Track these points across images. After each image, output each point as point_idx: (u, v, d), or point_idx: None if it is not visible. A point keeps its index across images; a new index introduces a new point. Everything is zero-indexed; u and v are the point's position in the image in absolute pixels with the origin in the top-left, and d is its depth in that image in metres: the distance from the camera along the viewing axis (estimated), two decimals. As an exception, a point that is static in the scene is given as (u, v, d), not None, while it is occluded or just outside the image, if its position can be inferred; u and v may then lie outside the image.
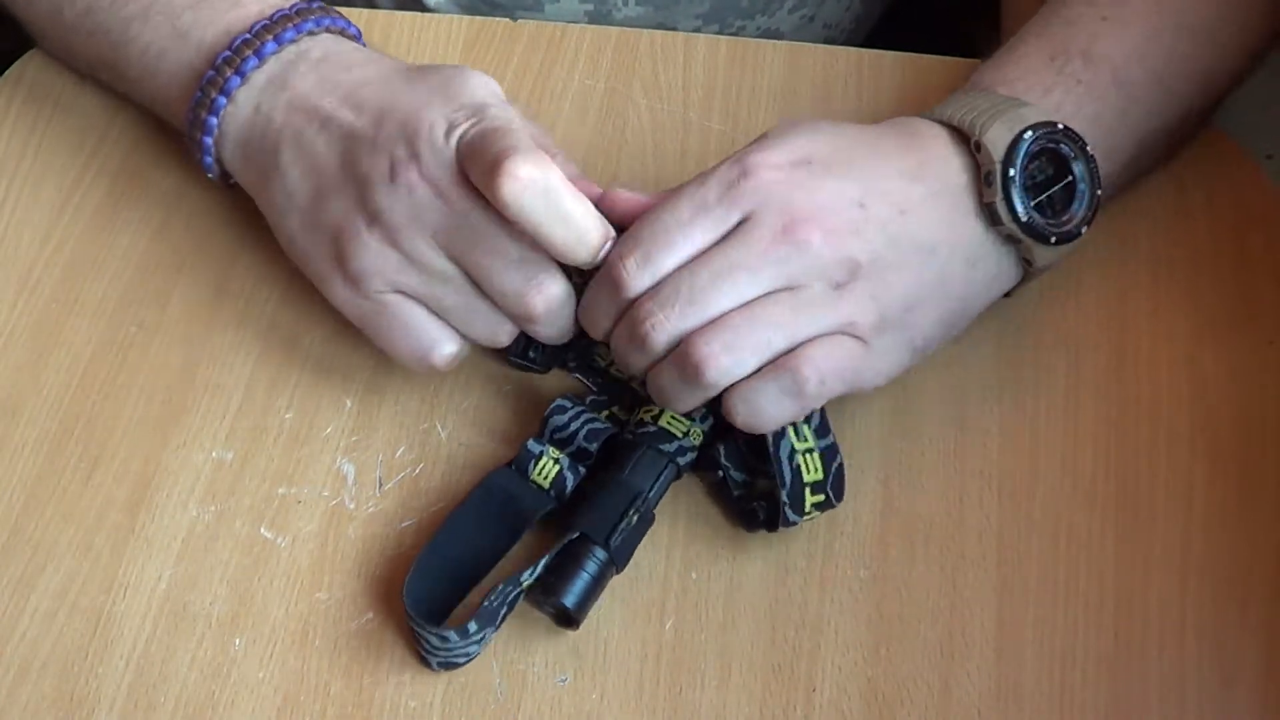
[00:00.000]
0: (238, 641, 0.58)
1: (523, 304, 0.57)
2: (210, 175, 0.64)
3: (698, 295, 0.55)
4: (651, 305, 0.55)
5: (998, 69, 0.63)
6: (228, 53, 0.61)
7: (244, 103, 0.61)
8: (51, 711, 0.56)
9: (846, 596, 0.58)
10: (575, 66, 0.73)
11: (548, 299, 0.57)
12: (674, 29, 0.81)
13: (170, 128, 0.68)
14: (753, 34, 0.83)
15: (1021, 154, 0.58)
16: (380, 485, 0.61)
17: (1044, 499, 0.60)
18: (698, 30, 0.82)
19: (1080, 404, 0.63)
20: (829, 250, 0.55)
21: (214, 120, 0.62)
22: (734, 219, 0.56)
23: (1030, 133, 0.58)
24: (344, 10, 0.74)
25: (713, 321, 0.55)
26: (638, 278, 0.56)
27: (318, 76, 0.61)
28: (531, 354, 0.62)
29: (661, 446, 0.58)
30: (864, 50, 0.74)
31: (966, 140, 0.59)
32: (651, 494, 0.58)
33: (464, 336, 0.59)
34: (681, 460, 0.59)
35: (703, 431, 0.59)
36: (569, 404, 0.60)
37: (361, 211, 0.57)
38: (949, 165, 0.59)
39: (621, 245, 0.56)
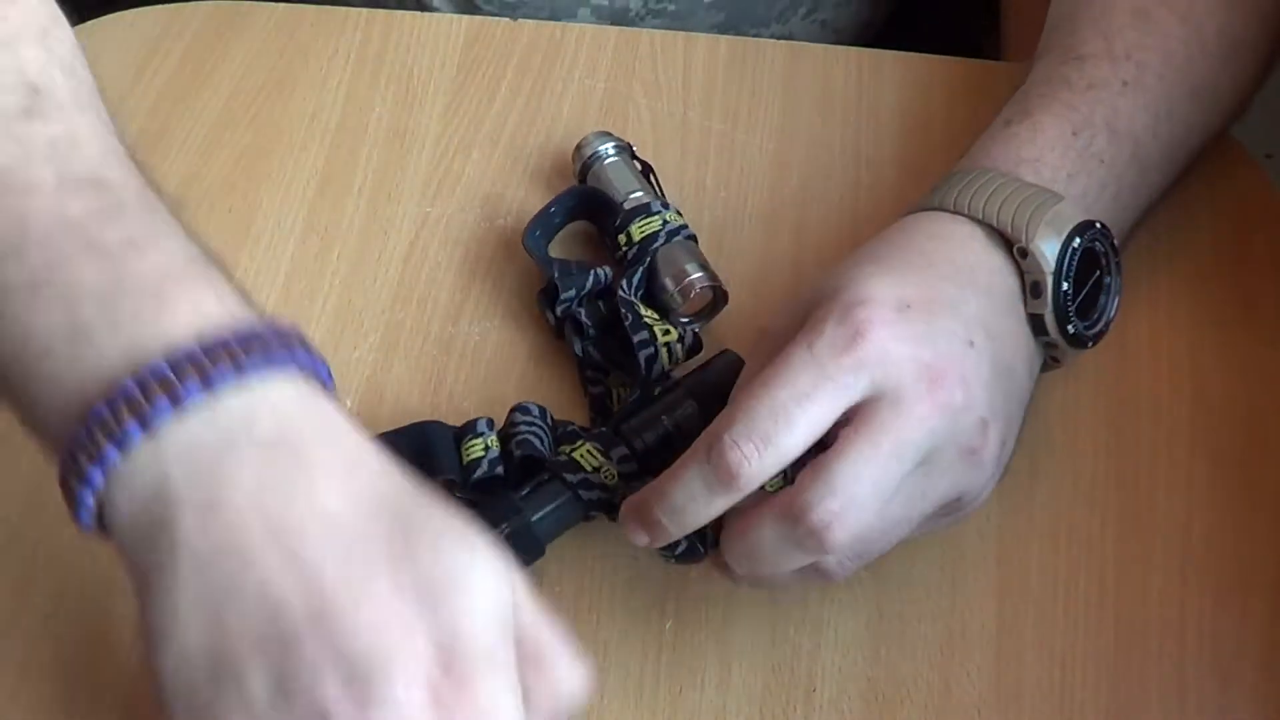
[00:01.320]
0: (238, 641, 0.58)
1: None
2: (85, 530, 0.44)
3: (862, 494, 0.49)
4: (813, 506, 0.49)
5: (1010, 143, 0.59)
6: (133, 386, 0.42)
7: (147, 466, 0.42)
8: (51, 711, 0.56)
9: (846, 596, 0.58)
10: (575, 66, 0.73)
11: None
12: None
13: (170, 122, 0.68)
14: None
15: (1070, 265, 0.55)
16: (380, 485, 0.61)
17: (1044, 499, 0.60)
18: None
19: (1080, 404, 0.63)
20: (967, 414, 0.51)
21: (99, 475, 0.43)
22: (860, 389, 0.50)
23: (1078, 239, 0.55)
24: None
25: (859, 526, 0.50)
26: (760, 465, 0.49)
27: (257, 480, 0.42)
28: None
29: (566, 476, 0.56)
30: (864, 50, 0.74)
31: (1004, 240, 0.56)
32: (537, 519, 0.55)
33: None
34: (585, 494, 0.56)
35: (618, 474, 0.57)
36: (534, 410, 0.59)
37: None
38: (993, 268, 0.56)
39: (733, 428, 0.49)
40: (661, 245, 0.63)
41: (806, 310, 0.53)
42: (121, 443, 0.42)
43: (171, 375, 0.42)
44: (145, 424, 0.42)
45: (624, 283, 0.62)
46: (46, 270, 0.44)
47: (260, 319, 0.44)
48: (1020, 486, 0.61)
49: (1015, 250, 0.56)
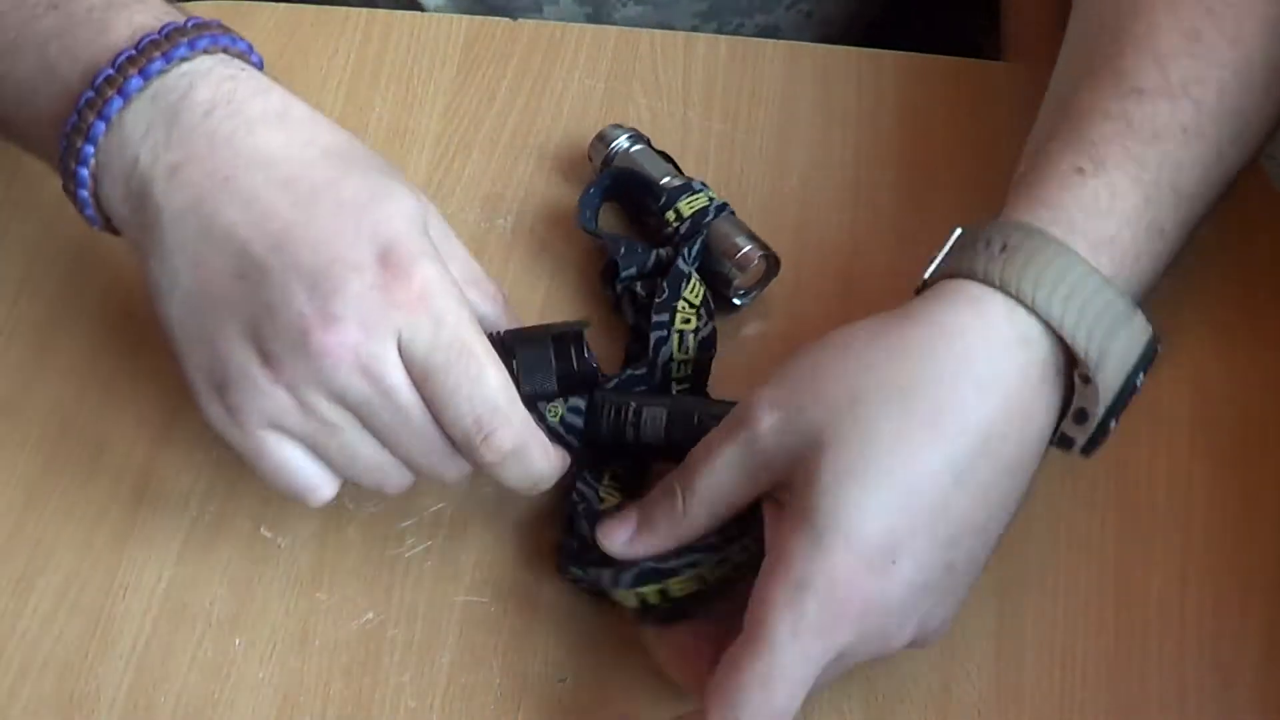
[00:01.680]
0: (238, 641, 0.58)
1: (445, 480, 0.55)
2: (96, 227, 0.56)
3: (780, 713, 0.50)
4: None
5: (1092, 209, 0.53)
6: (90, 93, 0.53)
7: (117, 152, 0.53)
8: (51, 711, 0.56)
9: (846, 596, 0.58)
10: (575, 66, 0.73)
11: (452, 479, 0.55)
12: (672, 27, 0.81)
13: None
14: (751, 31, 0.83)
15: (1127, 398, 0.52)
16: (380, 485, 0.61)
17: (1044, 499, 0.60)
18: (696, 29, 0.82)
19: (1080, 404, 0.63)
20: (904, 638, 0.51)
21: (84, 171, 0.53)
22: (832, 655, 0.50)
23: (1141, 376, 0.52)
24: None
25: None
26: None
27: (206, 137, 0.52)
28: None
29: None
30: (864, 50, 0.74)
31: (1067, 353, 0.51)
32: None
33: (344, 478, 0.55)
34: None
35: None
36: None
37: (254, 345, 0.51)
38: (1032, 414, 0.51)
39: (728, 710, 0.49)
40: (712, 219, 0.63)
41: (789, 459, 0.51)
42: (92, 138, 0.52)
43: (115, 74, 0.52)
44: (104, 117, 0.52)
45: (683, 253, 0.62)
46: (18, 30, 0.55)
47: (185, 17, 0.54)
48: (1020, 486, 0.61)
49: (1077, 374, 0.52)
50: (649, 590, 0.54)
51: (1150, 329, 0.53)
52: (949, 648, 0.57)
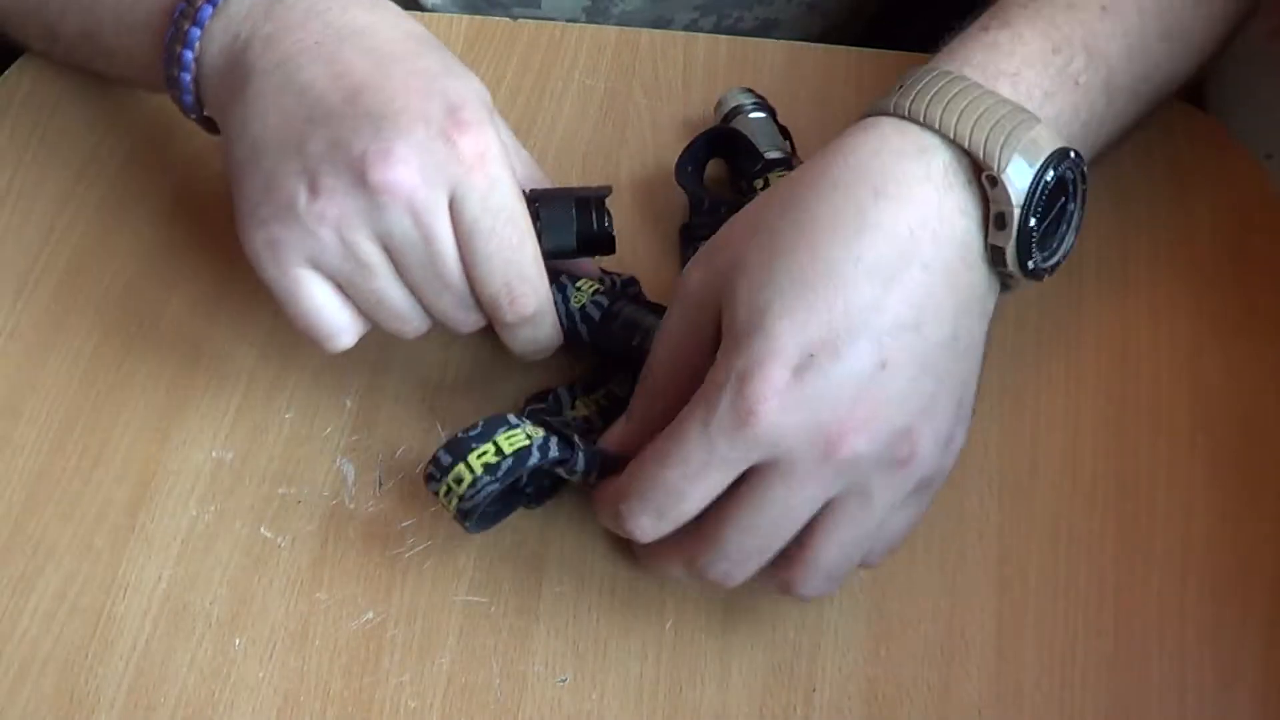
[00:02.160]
0: (238, 641, 0.58)
1: (461, 331, 0.58)
2: (192, 117, 0.61)
3: (755, 552, 0.52)
4: (713, 560, 0.53)
5: (990, 51, 0.55)
6: None
7: (220, 32, 0.57)
8: (51, 711, 0.56)
9: (846, 596, 0.58)
10: (575, 66, 0.73)
11: (473, 328, 0.58)
12: (670, 20, 0.81)
13: (172, 123, 0.68)
14: (750, 24, 0.83)
15: (1041, 197, 0.53)
16: (380, 485, 0.61)
17: (1044, 499, 0.60)
18: (695, 21, 0.82)
19: (1080, 404, 0.63)
20: (878, 444, 0.51)
21: (189, 54, 0.58)
22: (753, 458, 0.51)
23: (1051, 172, 0.53)
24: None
25: (816, 558, 0.53)
26: (656, 531, 0.53)
27: (303, 12, 0.57)
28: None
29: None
30: (864, 50, 0.74)
31: (970, 162, 0.53)
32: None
33: (366, 321, 0.58)
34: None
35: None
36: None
37: (309, 180, 0.54)
38: (944, 216, 0.52)
39: (628, 501, 0.52)
40: None
41: (716, 296, 0.53)
42: (199, 20, 0.57)
43: None
44: (212, 1, 0.57)
45: None
46: None
47: None
48: (1020, 486, 0.61)
49: (984, 177, 0.53)
50: (485, 450, 0.54)
51: (1058, 140, 0.53)
52: (949, 647, 0.57)
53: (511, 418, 0.55)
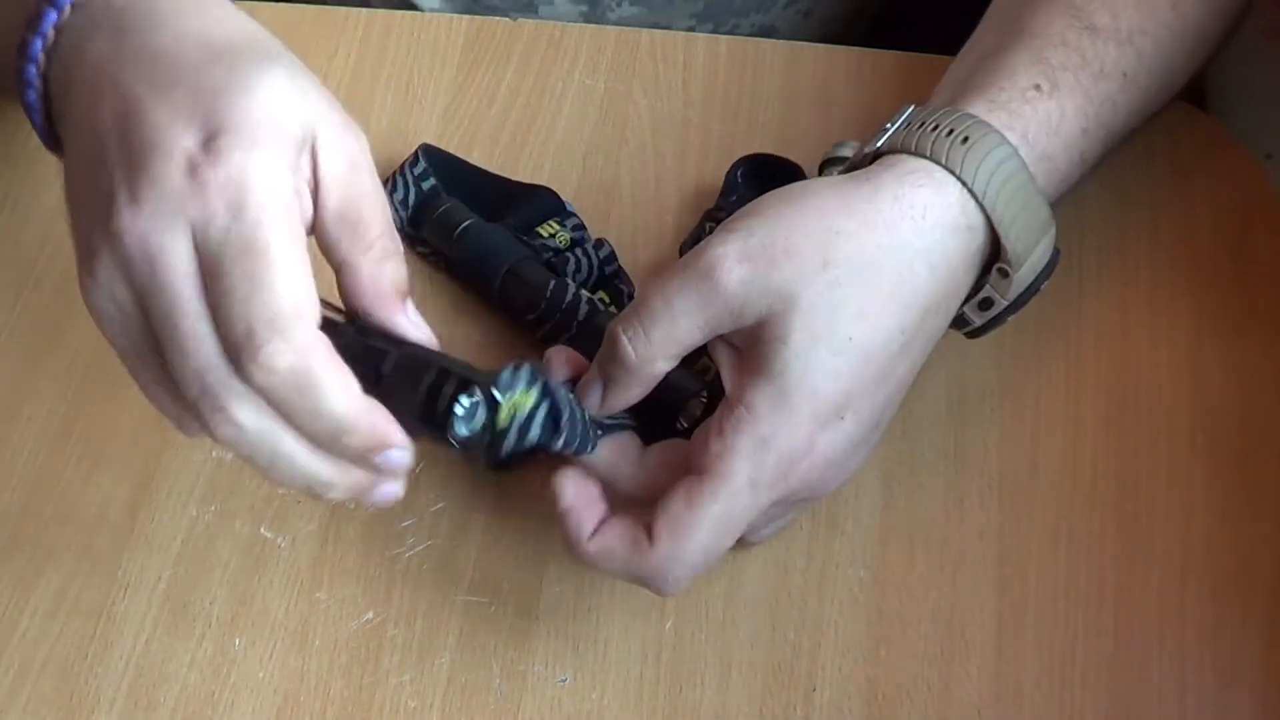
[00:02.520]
0: (238, 641, 0.58)
1: (200, 421, 0.48)
2: (48, 148, 0.55)
3: (702, 566, 0.53)
4: (665, 579, 0.53)
5: (1041, 125, 0.57)
6: (31, 14, 0.52)
7: (55, 79, 0.52)
8: (51, 711, 0.56)
9: (846, 596, 0.58)
10: (575, 66, 0.73)
11: (226, 432, 0.48)
12: (669, 28, 0.81)
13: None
14: (748, 31, 0.83)
15: (1026, 301, 0.58)
16: (380, 485, 0.61)
17: (1044, 499, 0.60)
18: (692, 29, 0.82)
19: (1080, 404, 0.63)
20: (833, 483, 0.55)
21: (32, 95, 0.52)
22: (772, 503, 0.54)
23: (1045, 285, 0.58)
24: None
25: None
26: (682, 586, 0.54)
27: (112, 37, 0.50)
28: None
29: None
30: (864, 50, 0.74)
31: (996, 247, 0.56)
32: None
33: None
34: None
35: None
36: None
37: (83, 242, 0.48)
38: (960, 292, 0.56)
39: (674, 573, 0.53)
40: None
41: (758, 310, 0.52)
42: (30, 55, 0.51)
43: None
44: (40, 32, 0.51)
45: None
46: None
47: None
48: (1020, 486, 0.61)
49: (997, 268, 0.56)
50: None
51: (1055, 242, 0.58)
52: (949, 648, 0.57)
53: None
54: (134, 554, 0.59)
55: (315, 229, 0.50)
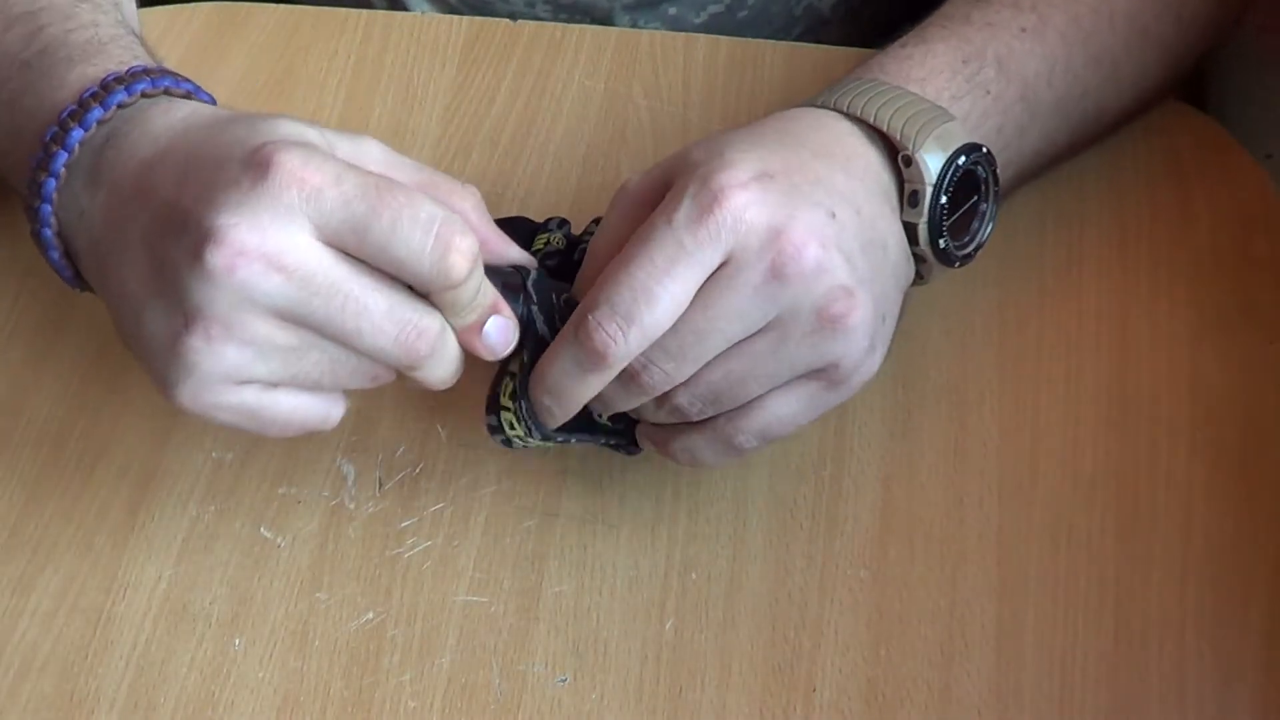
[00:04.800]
0: (238, 641, 0.58)
1: (407, 353, 0.50)
2: (79, 291, 0.57)
3: (690, 349, 0.52)
4: (647, 359, 0.53)
5: (903, 62, 0.60)
6: (40, 153, 0.54)
7: (69, 205, 0.54)
8: (51, 711, 0.56)
9: (846, 596, 0.58)
10: (575, 66, 0.73)
11: (430, 340, 0.51)
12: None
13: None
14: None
15: (951, 179, 0.56)
16: (380, 485, 0.61)
17: (1044, 499, 0.60)
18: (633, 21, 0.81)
19: (1080, 404, 0.63)
20: (818, 282, 0.52)
21: (48, 232, 0.54)
22: (716, 258, 0.52)
23: (963, 157, 0.57)
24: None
25: (701, 376, 0.53)
26: (625, 345, 0.52)
27: (125, 161, 0.52)
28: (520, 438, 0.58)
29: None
30: (864, 51, 0.74)
31: (886, 144, 0.57)
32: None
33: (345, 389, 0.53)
34: None
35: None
36: None
37: (180, 316, 0.49)
38: (871, 162, 0.57)
39: (597, 309, 0.51)
40: None
41: (666, 175, 0.54)
42: (45, 195, 0.54)
43: (59, 130, 0.54)
44: (53, 172, 0.53)
45: None
46: None
47: (135, 63, 0.56)
48: (1020, 486, 0.61)
49: (900, 158, 0.56)
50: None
51: (967, 135, 0.58)
52: (949, 647, 0.57)
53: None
54: (134, 554, 0.59)
55: None
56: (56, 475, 0.61)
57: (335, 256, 0.49)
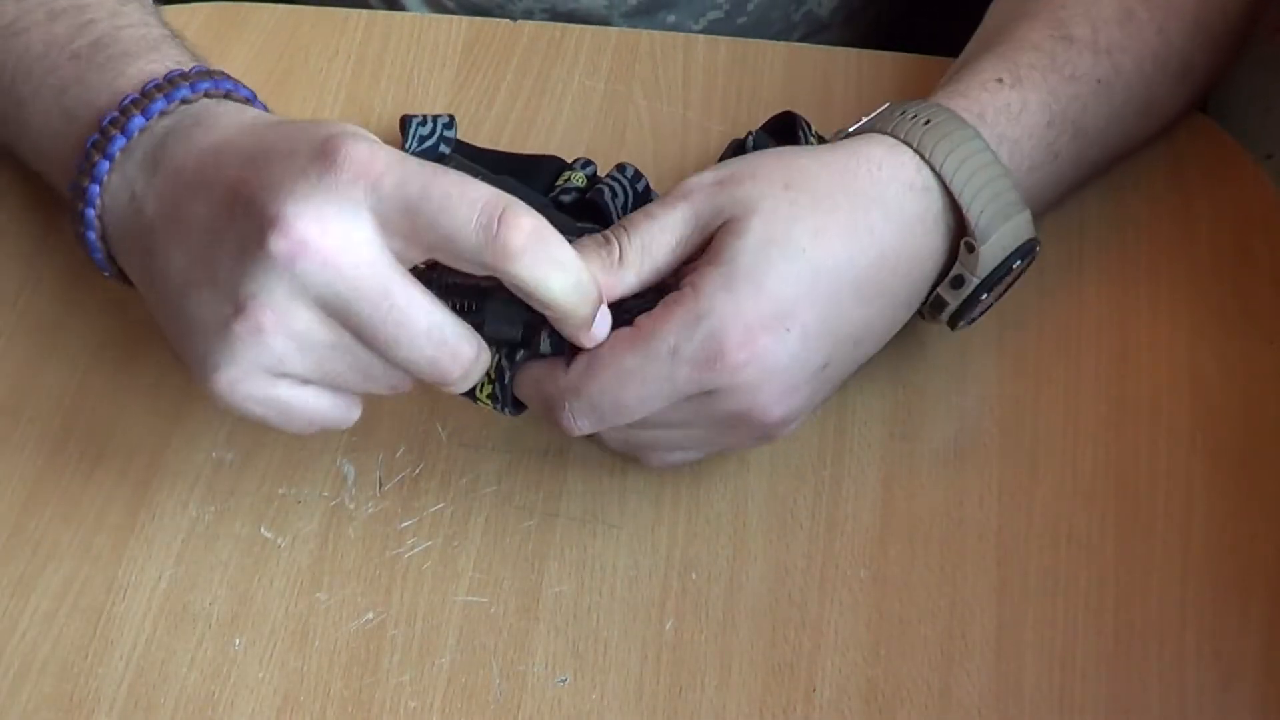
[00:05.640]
0: (238, 641, 0.58)
1: (438, 373, 0.51)
2: (106, 275, 0.59)
3: (612, 420, 0.55)
4: (578, 417, 0.55)
5: (1003, 113, 0.59)
6: (96, 135, 0.56)
7: (118, 189, 0.55)
8: (51, 711, 0.56)
9: (846, 596, 0.58)
10: (575, 66, 0.73)
11: (464, 365, 0.52)
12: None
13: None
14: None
15: (999, 280, 0.58)
16: (380, 485, 0.61)
17: (1044, 499, 0.60)
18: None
19: (1080, 404, 0.63)
20: (777, 421, 0.55)
21: (91, 212, 0.56)
22: (701, 393, 0.54)
23: (1019, 262, 0.58)
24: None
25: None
26: (585, 430, 0.55)
27: (187, 149, 0.54)
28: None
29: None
30: (864, 51, 0.74)
31: (959, 218, 0.57)
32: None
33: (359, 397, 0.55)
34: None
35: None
36: (629, 171, 0.65)
37: (230, 303, 0.50)
38: (922, 254, 0.57)
39: (578, 402, 0.54)
40: None
41: (717, 213, 0.54)
42: (96, 176, 0.55)
43: (120, 115, 0.56)
44: (108, 155, 0.55)
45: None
46: (40, 80, 0.60)
47: (194, 64, 0.58)
48: (1020, 486, 0.61)
49: (964, 241, 0.57)
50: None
51: (1033, 230, 0.58)
52: (949, 647, 0.57)
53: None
54: (134, 554, 0.59)
55: None
56: (56, 475, 0.61)
57: (391, 263, 0.50)
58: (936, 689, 0.56)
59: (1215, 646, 0.57)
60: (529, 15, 0.78)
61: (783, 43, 0.74)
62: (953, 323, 0.60)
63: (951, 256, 0.58)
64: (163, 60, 0.59)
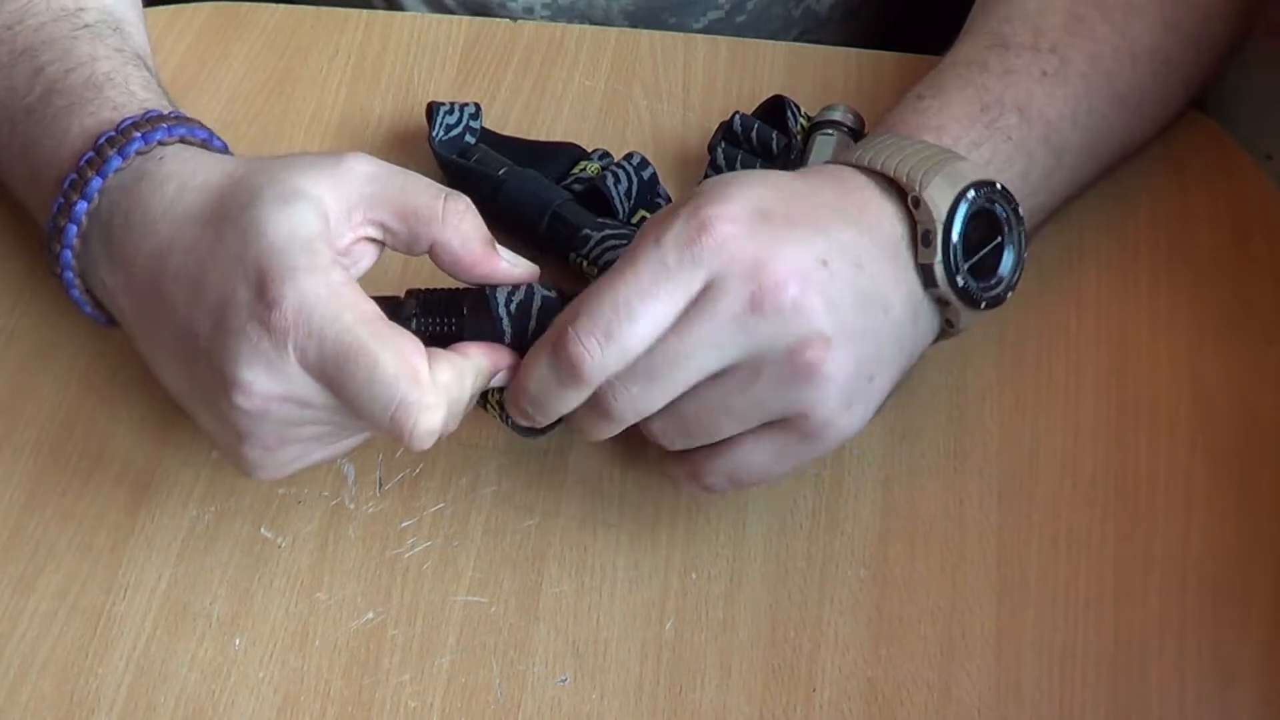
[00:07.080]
0: (238, 641, 0.58)
1: (400, 431, 0.52)
2: (102, 322, 0.61)
3: (660, 373, 0.52)
4: (614, 381, 0.52)
5: (921, 114, 0.60)
6: (50, 225, 0.58)
7: (89, 266, 0.58)
8: (51, 711, 0.56)
9: (846, 596, 0.58)
10: (575, 67, 0.73)
11: (422, 439, 0.52)
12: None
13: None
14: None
15: (962, 215, 0.56)
16: (380, 485, 0.61)
17: (1044, 499, 0.60)
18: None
19: (1080, 404, 0.63)
20: (795, 324, 0.52)
21: (70, 275, 0.58)
22: (698, 283, 0.52)
23: (972, 192, 0.56)
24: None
25: (671, 406, 0.53)
26: (602, 360, 0.52)
27: (136, 250, 0.55)
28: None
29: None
30: (864, 51, 0.74)
31: (900, 192, 0.56)
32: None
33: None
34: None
35: None
36: (636, 159, 0.66)
37: (229, 427, 0.54)
38: (883, 215, 0.56)
39: (576, 322, 0.52)
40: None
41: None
42: (64, 263, 0.57)
43: (69, 189, 0.57)
44: (66, 244, 0.57)
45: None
46: (8, 136, 0.61)
47: (140, 111, 0.58)
48: (1020, 486, 0.61)
49: (909, 200, 0.56)
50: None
51: (983, 173, 0.57)
52: (949, 647, 0.57)
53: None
54: (134, 554, 0.59)
55: (391, 242, 0.55)
56: (56, 475, 0.61)
57: (315, 384, 0.52)
58: (936, 689, 0.56)
59: (1215, 646, 0.57)
60: (529, 13, 0.78)
61: (783, 43, 0.74)
62: (967, 291, 0.57)
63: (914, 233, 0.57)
64: (100, 109, 0.59)
